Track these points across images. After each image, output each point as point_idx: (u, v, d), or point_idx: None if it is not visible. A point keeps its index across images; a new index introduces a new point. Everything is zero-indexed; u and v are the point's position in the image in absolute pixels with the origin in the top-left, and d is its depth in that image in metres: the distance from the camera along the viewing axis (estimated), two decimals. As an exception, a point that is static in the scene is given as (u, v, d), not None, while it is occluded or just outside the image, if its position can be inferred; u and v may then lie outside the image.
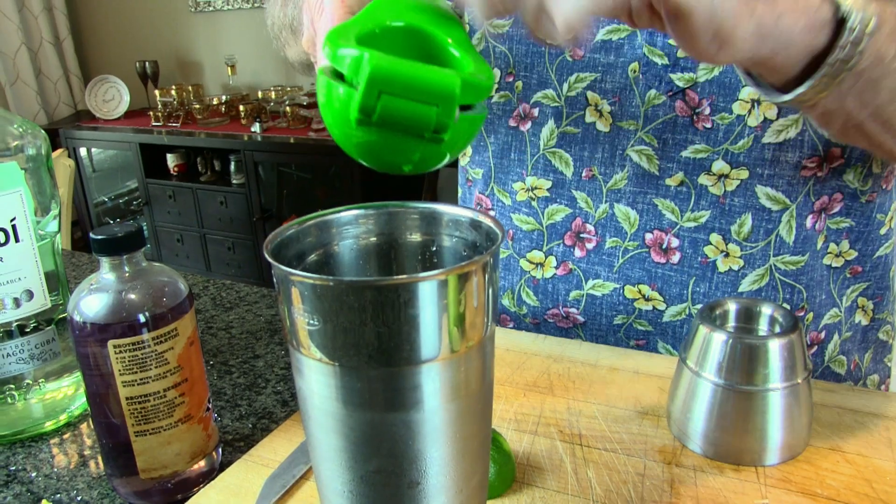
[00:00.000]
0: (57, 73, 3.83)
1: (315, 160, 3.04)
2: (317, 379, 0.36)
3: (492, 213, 0.87)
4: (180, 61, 3.86)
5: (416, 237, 0.42)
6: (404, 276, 0.33)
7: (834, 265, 0.80)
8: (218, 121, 3.42)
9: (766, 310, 0.59)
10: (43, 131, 0.69)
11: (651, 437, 0.59)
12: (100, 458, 0.66)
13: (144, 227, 3.55)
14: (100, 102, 3.63)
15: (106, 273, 0.56)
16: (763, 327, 0.59)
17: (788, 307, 0.78)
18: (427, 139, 0.39)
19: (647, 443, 0.59)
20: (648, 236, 0.77)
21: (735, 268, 0.76)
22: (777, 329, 0.58)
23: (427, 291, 0.33)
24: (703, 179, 0.73)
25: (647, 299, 0.80)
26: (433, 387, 0.35)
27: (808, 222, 0.75)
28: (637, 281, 0.80)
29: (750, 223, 0.74)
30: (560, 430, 0.60)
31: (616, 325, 0.83)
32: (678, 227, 0.76)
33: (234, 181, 3.27)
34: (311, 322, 0.34)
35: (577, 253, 0.82)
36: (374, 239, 0.42)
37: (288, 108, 3.21)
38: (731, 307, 0.60)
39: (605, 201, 0.78)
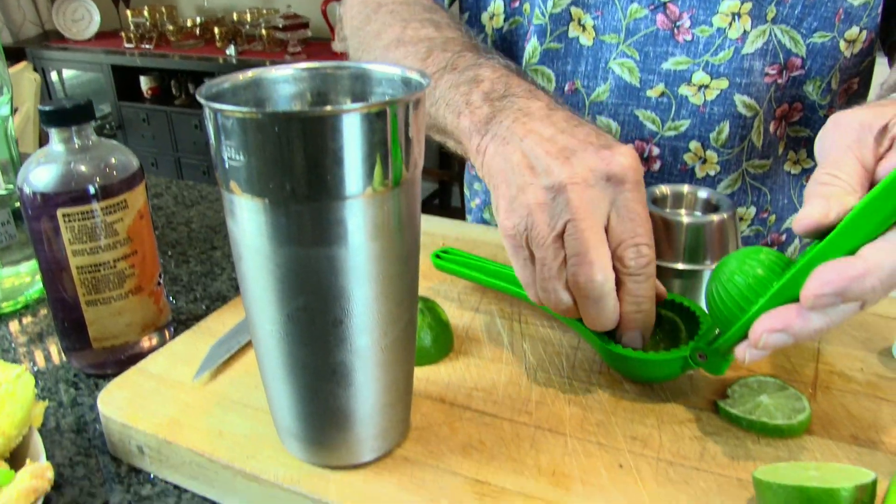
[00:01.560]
0: (20, -11, 3.71)
1: (290, 85, 3.00)
2: (248, 217, 0.37)
3: None
4: (153, -19, 3.77)
5: (349, 95, 0.43)
6: (327, 108, 0.34)
7: (793, 172, 0.83)
8: (192, 43, 3.36)
9: (703, 194, 0.60)
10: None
11: (588, 316, 0.62)
12: (56, 336, 0.67)
13: (118, 152, 3.51)
14: (68, 22, 3.54)
15: (55, 145, 0.56)
16: (699, 211, 0.61)
17: (755, 209, 0.81)
18: None
19: (584, 321, 0.61)
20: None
21: (712, 173, 0.78)
22: (712, 212, 0.60)
23: (349, 124, 0.34)
24: (684, 90, 0.75)
25: None
26: (356, 223, 0.37)
27: (772, 128, 0.78)
28: None
29: (728, 130, 0.76)
30: (501, 309, 0.63)
31: None
32: (659, 136, 0.78)
33: (209, 105, 3.23)
34: (238, 157, 0.35)
35: None
36: (308, 97, 0.43)
37: (264, 31, 3.16)
38: (669, 192, 0.61)
39: (588, 114, 0.79)
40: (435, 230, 0.78)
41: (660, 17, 0.73)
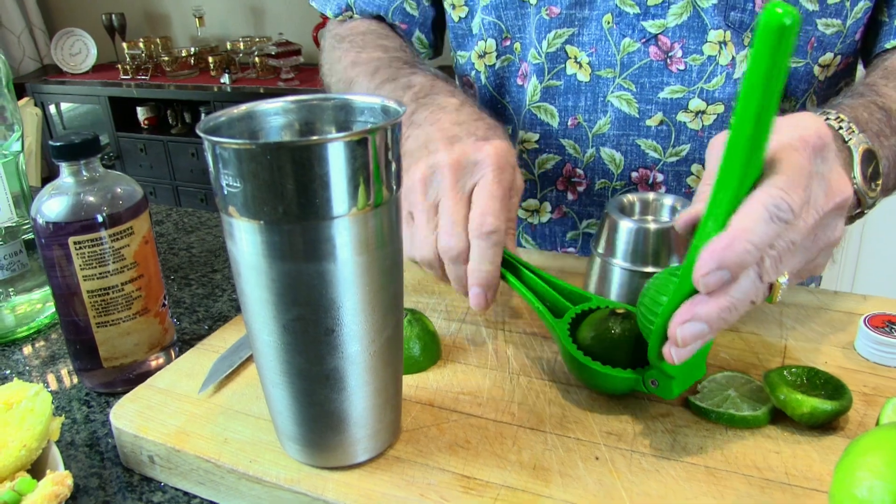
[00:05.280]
0: (20, 26, 3.77)
1: (285, 110, 3.05)
2: (245, 238, 0.41)
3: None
4: (147, 13, 3.83)
5: (334, 124, 0.47)
6: (314, 138, 0.38)
7: None
8: (187, 73, 3.42)
9: (668, 201, 0.64)
10: (2, 55, 0.73)
11: (568, 323, 0.66)
12: (68, 358, 0.71)
13: (117, 182, 3.55)
14: (66, 56, 3.61)
15: (65, 178, 0.60)
16: (665, 217, 0.65)
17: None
18: None
19: (564, 327, 0.65)
20: (634, 175, 0.83)
21: None
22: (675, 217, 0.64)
23: (333, 152, 0.38)
24: (682, 117, 0.79)
25: None
26: (343, 240, 0.41)
27: None
28: None
29: None
30: (486, 319, 0.67)
31: None
32: (661, 162, 0.81)
33: (205, 133, 3.28)
34: (235, 184, 0.39)
35: (570, 196, 0.88)
36: (297, 127, 0.47)
37: (257, 59, 3.22)
38: (637, 200, 0.65)
39: (592, 146, 0.83)
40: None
41: (652, 49, 0.77)
